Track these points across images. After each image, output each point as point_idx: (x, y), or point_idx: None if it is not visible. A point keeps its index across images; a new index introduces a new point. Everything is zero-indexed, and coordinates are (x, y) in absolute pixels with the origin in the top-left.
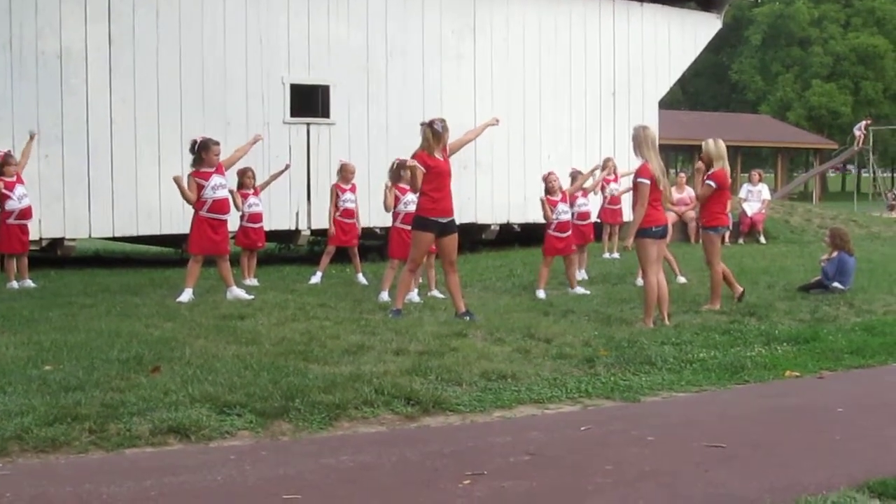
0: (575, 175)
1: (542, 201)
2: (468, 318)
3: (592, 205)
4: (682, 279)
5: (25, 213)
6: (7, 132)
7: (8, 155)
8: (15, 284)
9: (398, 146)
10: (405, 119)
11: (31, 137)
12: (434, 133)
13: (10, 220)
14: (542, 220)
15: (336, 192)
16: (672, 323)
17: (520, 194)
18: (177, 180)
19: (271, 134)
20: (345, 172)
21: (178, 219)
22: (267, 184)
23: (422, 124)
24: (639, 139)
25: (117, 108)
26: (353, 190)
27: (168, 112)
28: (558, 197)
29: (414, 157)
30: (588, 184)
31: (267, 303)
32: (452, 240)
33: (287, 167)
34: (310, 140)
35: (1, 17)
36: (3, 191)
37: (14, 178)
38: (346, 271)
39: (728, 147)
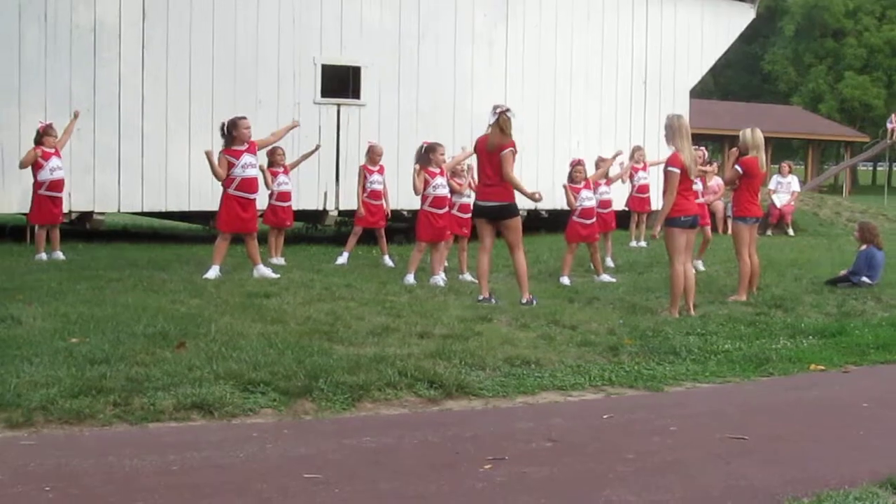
0: (599, 164)
1: (564, 188)
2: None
3: (615, 193)
4: (699, 265)
5: (57, 185)
6: (40, 104)
7: (49, 127)
8: (44, 256)
9: (428, 129)
10: (436, 102)
11: (75, 116)
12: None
13: (42, 191)
14: (567, 207)
15: (364, 174)
16: (698, 313)
17: (548, 180)
18: (208, 155)
19: (302, 114)
20: (372, 154)
21: (206, 195)
22: (297, 163)
23: (504, 112)
24: (672, 128)
25: (149, 83)
26: (380, 171)
27: (200, 89)
28: (581, 184)
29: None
30: (614, 172)
31: (293, 282)
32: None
33: (317, 148)
34: (340, 121)
35: None
36: (40, 159)
37: (53, 150)
38: (372, 253)
39: None
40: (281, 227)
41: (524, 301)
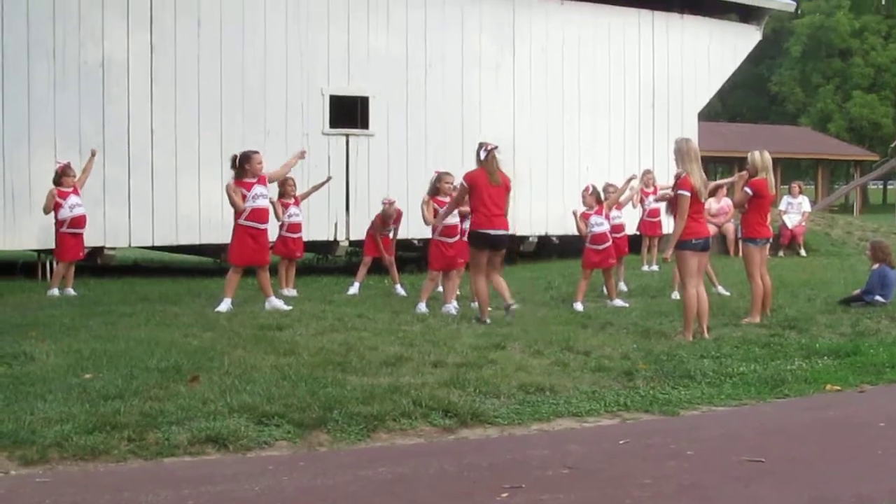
0: (608, 190)
1: (574, 215)
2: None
3: (626, 217)
4: (722, 290)
5: (78, 222)
6: (49, 140)
7: (67, 167)
8: (56, 291)
9: (437, 156)
10: (444, 129)
11: (93, 154)
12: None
13: (64, 229)
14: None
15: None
16: (712, 336)
17: (558, 205)
18: (229, 189)
19: (310, 145)
20: (384, 217)
21: (216, 228)
22: (308, 194)
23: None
24: (682, 151)
25: (158, 117)
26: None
27: (208, 121)
28: (592, 210)
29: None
30: (623, 197)
31: (305, 313)
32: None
33: (328, 179)
34: (349, 151)
35: (44, 26)
36: (57, 199)
37: (70, 189)
38: (384, 282)
39: None
40: (292, 259)
41: (515, 305)
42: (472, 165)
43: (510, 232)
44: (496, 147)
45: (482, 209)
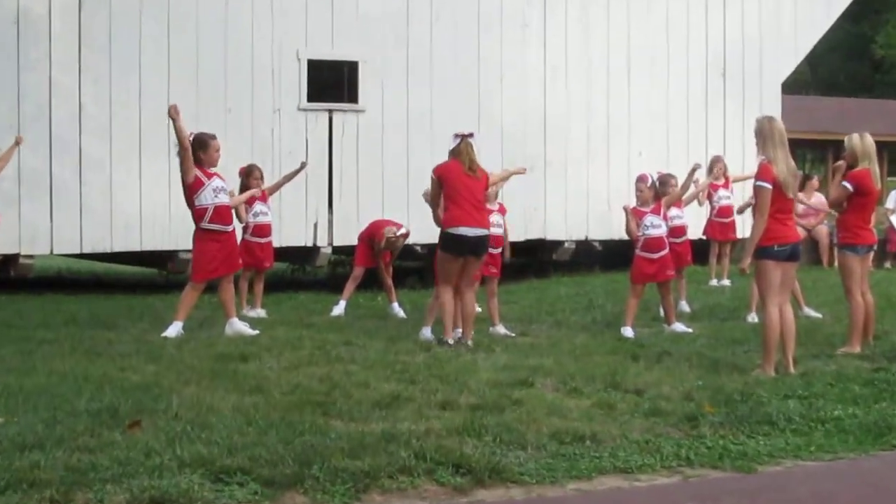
0: (667, 182)
1: (625, 211)
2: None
3: (691, 217)
4: (810, 312)
5: None
6: None
7: None
8: None
9: (445, 139)
10: (454, 105)
11: (17, 142)
12: None
13: None
14: (627, 237)
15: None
16: (798, 370)
17: (601, 202)
18: (173, 113)
19: (283, 124)
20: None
21: (162, 231)
22: (278, 187)
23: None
24: (763, 133)
25: (87, 90)
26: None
27: (152, 96)
28: (648, 207)
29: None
30: (687, 193)
31: (276, 340)
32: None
33: (303, 166)
34: (332, 131)
35: None
36: None
37: None
38: (377, 300)
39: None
40: (259, 270)
41: (469, 343)
42: (490, 151)
43: (489, 232)
44: (471, 134)
45: (456, 204)
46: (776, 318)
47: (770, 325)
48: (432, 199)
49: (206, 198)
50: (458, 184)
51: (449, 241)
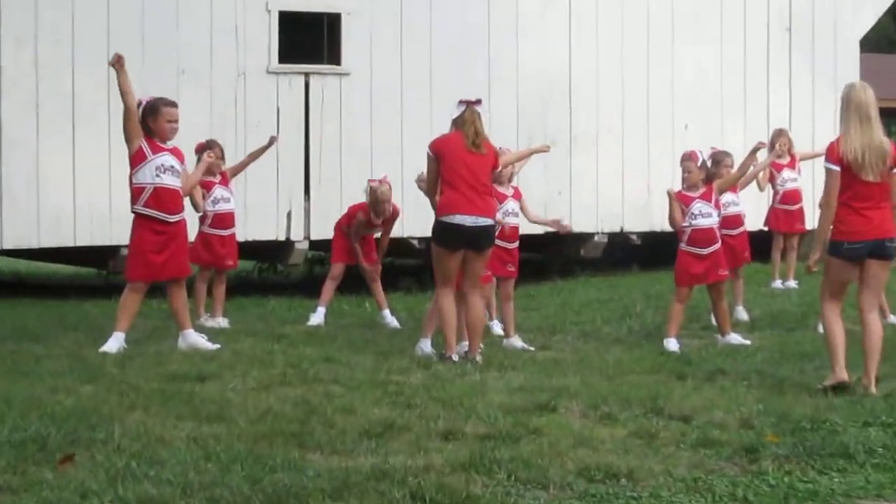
0: (718, 159)
1: (668, 196)
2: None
3: (749, 204)
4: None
5: None
6: None
7: None
8: None
9: (446, 108)
10: (459, 67)
11: None
12: None
13: None
14: (670, 228)
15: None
16: (882, 391)
17: (640, 186)
18: (116, 64)
19: (249, 90)
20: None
21: (102, 223)
22: (243, 167)
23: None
24: (844, 102)
25: (8, 52)
26: (384, 224)
27: (88, 57)
28: (697, 192)
29: None
30: (746, 175)
31: (241, 355)
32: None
33: (273, 141)
34: (309, 99)
35: None
36: None
37: None
38: (364, 306)
39: None
40: (220, 269)
41: (477, 358)
42: (503, 123)
43: (492, 222)
44: (478, 101)
45: (452, 186)
46: (836, 328)
47: (831, 335)
48: (428, 184)
49: (146, 175)
50: (458, 161)
51: (442, 232)
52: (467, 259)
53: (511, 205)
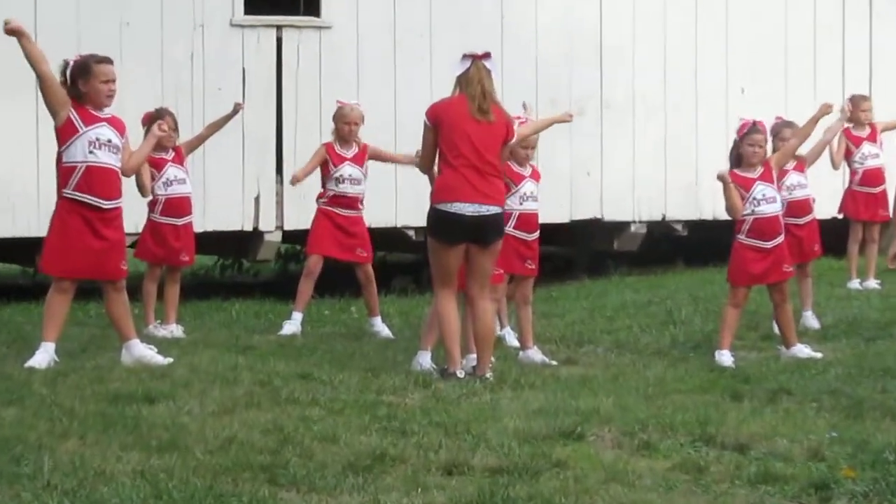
0: (777, 131)
1: (722, 179)
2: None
3: (820, 186)
4: None
5: None
6: None
7: None
8: None
9: (449, 67)
10: (466, 16)
11: None
12: None
13: None
14: (727, 216)
15: (325, 158)
16: None
17: (685, 165)
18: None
19: (208, 46)
20: (337, 120)
21: (28, 211)
22: (201, 141)
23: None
24: None
25: None
26: (358, 159)
27: (8, 12)
28: (756, 173)
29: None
30: (812, 147)
31: (199, 371)
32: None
33: (238, 110)
34: (282, 57)
35: None
36: None
37: None
38: (350, 311)
39: None
40: (173, 266)
41: (487, 375)
42: (518, 85)
43: (496, 209)
44: (486, 55)
45: (451, 165)
46: None
47: None
48: (423, 159)
49: (77, 152)
50: (458, 132)
51: (437, 222)
52: (472, 255)
53: (529, 187)
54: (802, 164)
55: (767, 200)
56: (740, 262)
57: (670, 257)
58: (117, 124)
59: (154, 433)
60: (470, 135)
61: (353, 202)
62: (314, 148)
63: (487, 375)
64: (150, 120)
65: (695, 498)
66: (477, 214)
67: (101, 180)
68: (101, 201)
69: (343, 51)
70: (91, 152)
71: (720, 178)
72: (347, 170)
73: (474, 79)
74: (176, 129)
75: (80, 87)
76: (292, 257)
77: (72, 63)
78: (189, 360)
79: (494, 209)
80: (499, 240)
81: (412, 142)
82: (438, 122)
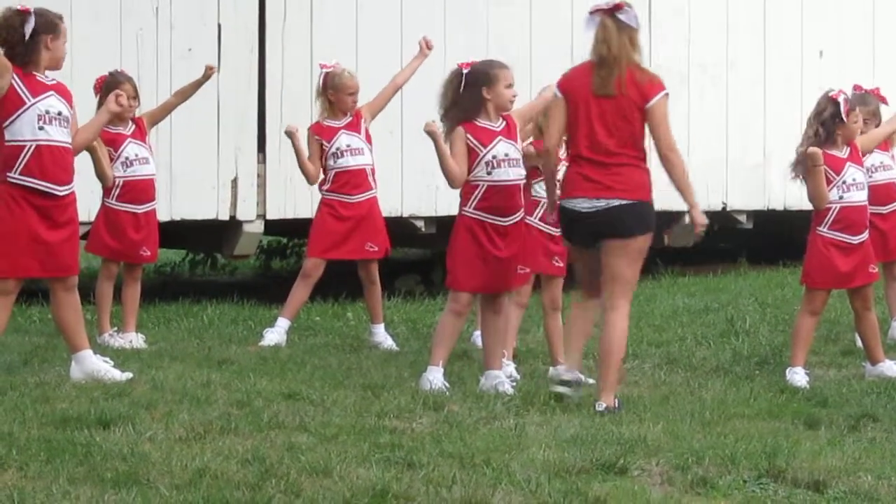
0: (861, 100)
1: (813, 158)
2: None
3: None
4: None
5: None
6: None
7: None
8: None
9: (462, 20)
10: None
11: None
12: None
13: None
14: (806, 206)
15: (318, 141)
16: None
17: (751, 144)
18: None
19: (175, 5)
20: (337, 90)
21: None
22: (166, 112)
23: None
24: None
25: None
26: (353, 126)
27: None
28: (845, 152)
29: None
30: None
31: (164, 389)
32: None
33: (210, 72)
34: (266, 11)
35: None
36: None
37: None
38: (346, 317)
39: None
40: (133, 263)
41: (604, 407)
42: (545, 49)
43: (615, 202)
44: (619, 6)
45: (569, 155)
46: None
47: None
48: (549, 141)
49: (24, 128)
50: (580, 116)
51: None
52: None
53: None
54: (888, 142)
55: (857, 186)
56: (822, 259)
57: (732, 255)
58: (64, 92)
59: (109, 464)
60: (593, 117)
61: (359, 177)
62: (302, 121)
63: (603, 405)
64: (104, 87)
65: None
66: (591, 207)
67: (54, 162)
68: (54, 187)
69: (334, 10)
70: (41, 128)
71: (811, 156)
72: (344, 139)
73: (608, 43)
74: (136, 98)
75: (31, 50)
76: (277, 252)
77: (33, 16)
78: (152, 375)
79: (624, 200)
80: (625, 235)
81: (421, 110)
82: (567, 96)
